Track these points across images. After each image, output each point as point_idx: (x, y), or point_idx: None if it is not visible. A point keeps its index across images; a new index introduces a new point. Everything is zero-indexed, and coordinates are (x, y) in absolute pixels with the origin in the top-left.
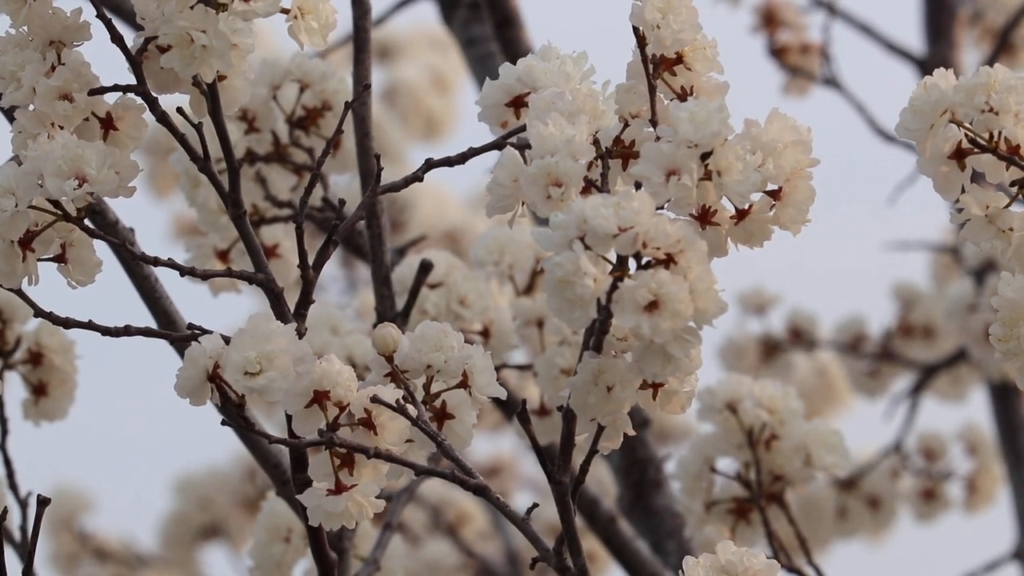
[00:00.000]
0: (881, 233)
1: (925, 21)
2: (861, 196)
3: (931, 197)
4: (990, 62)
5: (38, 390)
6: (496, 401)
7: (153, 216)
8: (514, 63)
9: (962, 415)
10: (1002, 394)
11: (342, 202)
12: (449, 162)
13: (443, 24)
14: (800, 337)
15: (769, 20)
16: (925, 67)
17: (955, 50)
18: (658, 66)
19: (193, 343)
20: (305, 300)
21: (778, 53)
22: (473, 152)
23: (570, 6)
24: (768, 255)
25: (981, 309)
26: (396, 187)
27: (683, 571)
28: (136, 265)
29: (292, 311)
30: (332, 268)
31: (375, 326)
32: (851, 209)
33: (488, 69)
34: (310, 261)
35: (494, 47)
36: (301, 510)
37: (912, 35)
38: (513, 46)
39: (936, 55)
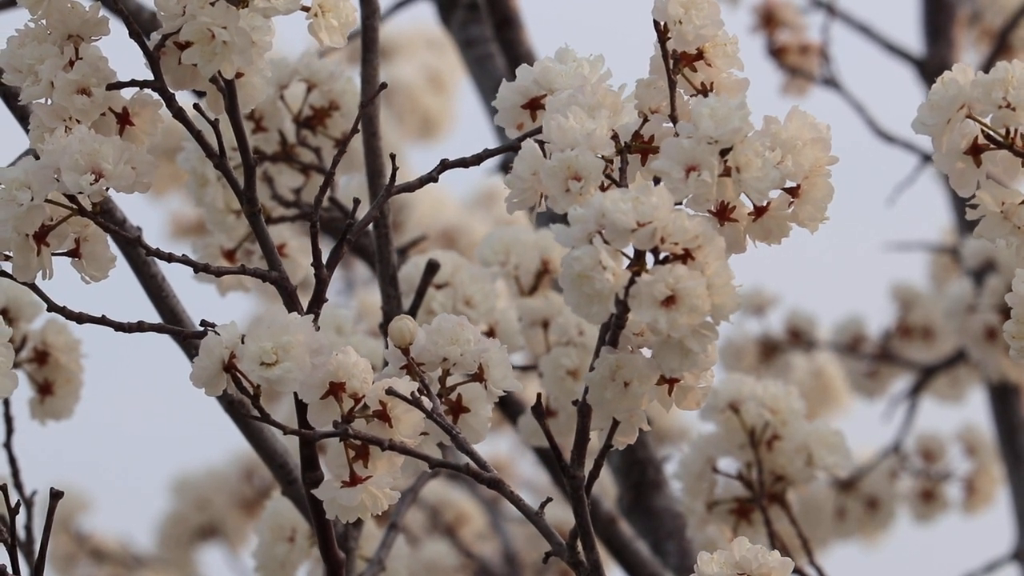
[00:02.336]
0: (880, 234)
1: (924, 22)
2: (860, 196)
3: (930, 197)
4: (989, 63)
5: (44, 389)
6: (497, 403)
7: (150, 216)
8: (514, 64)
9: (961, 416)
10: (1001, 395)
11: (356, 202)
12: (464, 163)
13: (441, 25)
14: (799, 338)
15: (768, 20)
16: (924, 68)
17: (954, 51)
18: (678, 62)
19: (210, 333)
20: (318, 299)
21: (777, 53)
22: (489, 153)
23: (570, 7)
24: (767, 255)
25: (980, 310)
26: (411, 187)
27: (697, 567)
28: (143, 263)
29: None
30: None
31: (381, 326)
32: (849, 209)
33: (486, 70)
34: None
35: (493, 48)
36: (308, 509)
37: (911, 36)
38: (513, 47)
39: (935, 56)
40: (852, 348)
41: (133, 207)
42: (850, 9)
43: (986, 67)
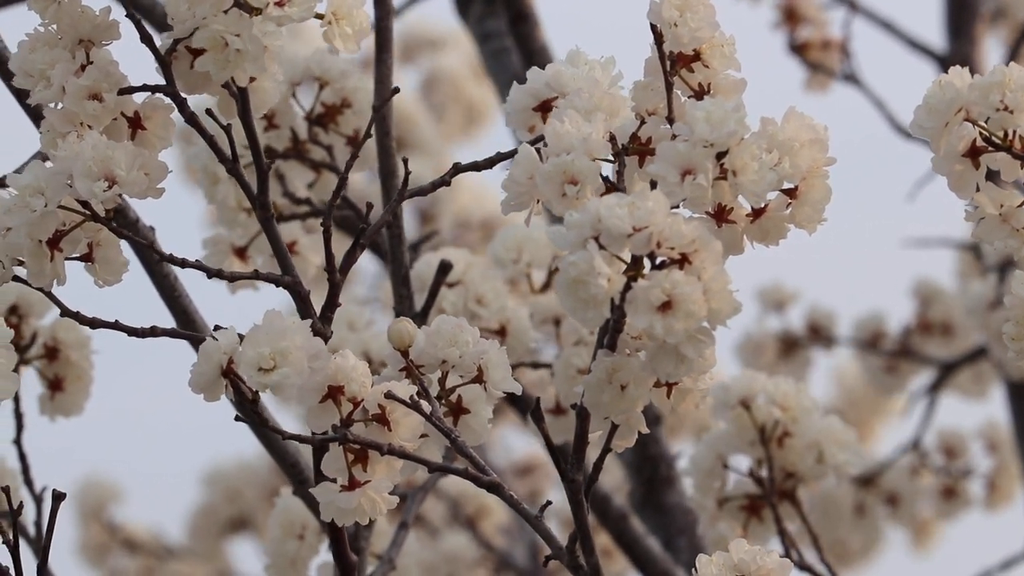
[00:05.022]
0: (905, 229)
1: (947, 18)
2: (883, 192)
3: (952, 193)
4: (1010, 59)
5: (54, 385)
6: (511, 399)
7: (187, 203)
8: (528, 59)
9: (984, 412)
10: (1020, 393)
11: (370, 206)
12: (477, 166)
13: (459, 19)
14: (819, 334)
15: (790, 16)
16: (946, 64)
17: (976, 47)
18: (675, 63)
19: (208, 338)
20: (331, 303)
21: (799, 49)
22: (501, 156)
23: (584, 3)
24: (787, 251)
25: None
26: (423, 191)
27: (696, 569)
28: (156, 263)
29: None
30: (364, 259)
31: None
32: (872, 205)
33: (503, 64)
34: (336, 263)
35: (509, 42)
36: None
37: (933, 32)
38: (527, 42)
39: (957, 52)
40: (872, 344)
41: (168, 195)
42: (872, 5)
43: (1009, 63)
